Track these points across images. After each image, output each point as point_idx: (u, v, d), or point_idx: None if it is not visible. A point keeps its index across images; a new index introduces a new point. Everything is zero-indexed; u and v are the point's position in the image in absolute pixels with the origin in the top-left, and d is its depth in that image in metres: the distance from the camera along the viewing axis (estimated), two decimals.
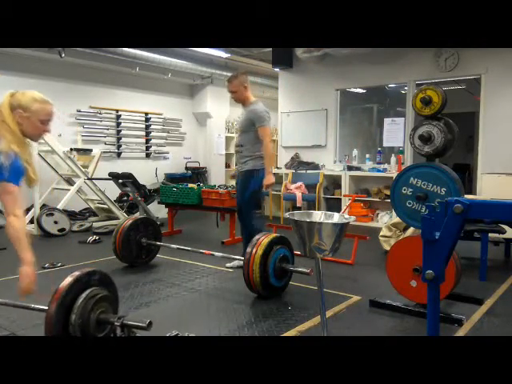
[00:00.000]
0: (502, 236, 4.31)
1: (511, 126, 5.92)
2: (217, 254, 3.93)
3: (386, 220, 6.45)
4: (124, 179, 6.59)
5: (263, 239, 3.31)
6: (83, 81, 7.72)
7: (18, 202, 1.98)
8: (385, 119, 7.04)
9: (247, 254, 3.26)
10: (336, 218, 2.38)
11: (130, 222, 4.18)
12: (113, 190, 7.05)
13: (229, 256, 3.93)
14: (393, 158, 6.78)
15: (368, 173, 6.96)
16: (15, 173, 1.94)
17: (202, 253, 4.06)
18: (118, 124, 8.28)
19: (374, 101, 8.25)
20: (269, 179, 3.92)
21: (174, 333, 2.39)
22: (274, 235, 3.41)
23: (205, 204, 5.46)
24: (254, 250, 3.24)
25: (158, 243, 4.30)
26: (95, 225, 6.27)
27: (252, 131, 3.94)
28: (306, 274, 3.17)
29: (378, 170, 6.84)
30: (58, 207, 6.03)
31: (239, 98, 4.03)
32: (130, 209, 7.05)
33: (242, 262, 3.47)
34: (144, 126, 8.75)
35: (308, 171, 7.40)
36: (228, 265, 4.22)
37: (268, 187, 4.02)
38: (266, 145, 3.92)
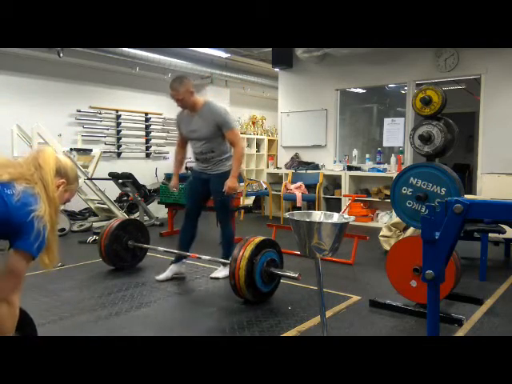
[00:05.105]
0: (502, 236, 4.31)
1: (511, 125, 5.93)
2: (204, 257, 3.74)
3: (385, 220, 6.44)
4: (124, 179, 6.59)
5: (249, 242, 3.15)
6: (83, 81, 7.72)
7: (20, 285, 1.64)
8: (385, 119, 7.04)
9: (232, 258, 3.11)
10: (336, 217, 2.38)
11: (116, 224, 4.04)
12: (113, 190, 7.04)
13: (216, 259, 3.75)
14: (393, 158, 6.78)
15: (368, 173, 6.95)
16: (40, 247, 1.61)
17: (189, 255, 3.83)
18: (118, 124, 8.28)
19: (374, 101, 8.25)
20: (233, 182, 3.61)
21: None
22: (261, 238, 3.22)
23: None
24: (241, 254, 3.08)
25: (146, 246, 4.19)
26: (95, 225, 6.27)
27: (219, 135, 3.65)
28: (294, 278, 3.08)
29: (378, 170, 6.84)
30: None
31: (185, 105, 3.67)
32: (130, 209, 7.04)
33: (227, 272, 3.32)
34: (144, 126, 8.75)
35: (308, 171, 7.40)
36: (212, 275, 3.92)
37: (231, 191, 3.63)
38: (238, 150, 3.66)
